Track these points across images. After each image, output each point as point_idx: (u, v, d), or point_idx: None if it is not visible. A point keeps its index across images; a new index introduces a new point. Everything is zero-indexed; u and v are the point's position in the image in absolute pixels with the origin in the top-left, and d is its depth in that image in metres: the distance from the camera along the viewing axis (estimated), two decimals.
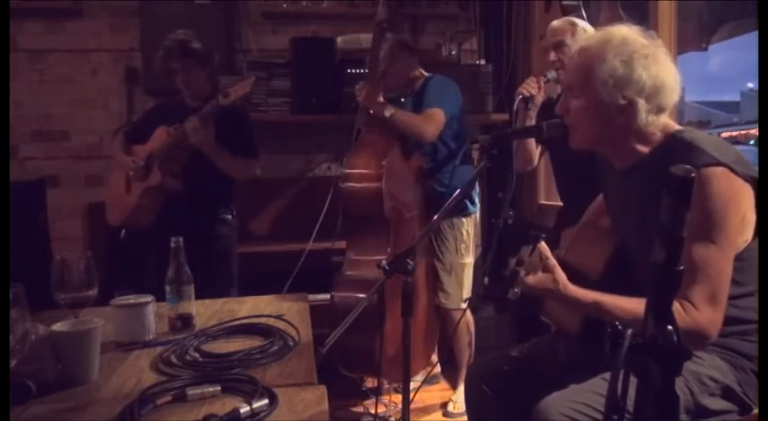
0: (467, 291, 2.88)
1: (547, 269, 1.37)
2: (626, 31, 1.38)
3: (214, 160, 2.48)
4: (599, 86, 1.34)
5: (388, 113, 2.62)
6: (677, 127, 1.42)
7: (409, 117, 2.67)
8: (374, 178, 2.55)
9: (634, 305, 1.27)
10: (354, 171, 2.61)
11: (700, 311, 1.24)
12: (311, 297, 1.97)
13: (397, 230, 2.61)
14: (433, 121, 2.65)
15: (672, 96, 1.36)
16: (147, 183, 2.53)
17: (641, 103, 1.34)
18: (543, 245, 1.38)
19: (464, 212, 2.85)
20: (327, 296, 2.74)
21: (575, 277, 1.39)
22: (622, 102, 1.34)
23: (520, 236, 1.39)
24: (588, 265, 1.55)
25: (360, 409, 2.89)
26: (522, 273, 1.36)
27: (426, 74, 2.88)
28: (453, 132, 2.79)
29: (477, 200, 2.95)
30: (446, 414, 2.88)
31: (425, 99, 2.71)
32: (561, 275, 1.37)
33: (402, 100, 2.87)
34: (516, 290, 1.37)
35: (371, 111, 2.69)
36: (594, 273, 1.52)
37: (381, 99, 2.67)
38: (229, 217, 2.66)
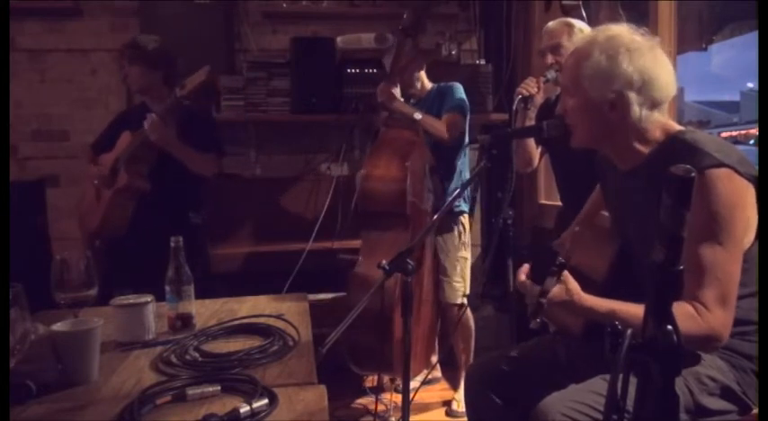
0: (467, 286, 2.92)
1: (560, 281, 1.35)
2: (615, 29, 1.38)
3: (177, 156, 2.48)
4: (586, 83, 1.35)
5: (417, 116, 2.71)
6: (678, 127, 1.42)
7: (436, 122, 2.76)
8: (399, 176, 2.60)
9: None
10: (378, 169, 2.64)
11: (712, 313, 1.23)
12: (312, 296, 1.97)
13: (415, 225, 2.64)
14: (456, 127, 2.78)
15: (666, 91, 1.36)
16: (116, 186, 2.53)
17: (632, 96, 1.33)
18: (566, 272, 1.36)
19: (459, 208, 2.92)
20: (328, 295, 2.74)
21: (579, 280, 1.38)
22: (611, 96, 1.34)
23: (545, 265, 1.36)
24: (592, 268, 1.54)
25: (360, 409, 2.89)
26: (546, 303, 1.33)
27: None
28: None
29: (466, 198, 2.99)
30: (450, 412, 2.89)
31: (447, 104, 2.80)
32: (574, 284, 1.34)
33: (411, 101, 2.91)
34: (539, 320, 1.34)
35: (392, 112, 2.76)
36: (599, 275, 1.52)
37: (402, 101, 2.77)
38: (198, 221, 2.65)
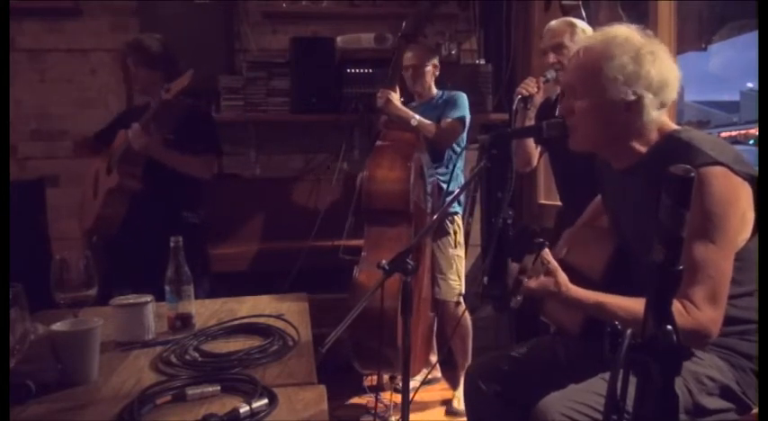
0: (463, 285, 2.95)
1: (548, 273, 1.36)
2: (626, 30, 1.39)
3: (165, 163, 2.49)
4: (608, 84, 1.34)
5: (414, 122, 2.74)
6: (674, 126, 1.43)
7: (432, 127, 2.79)
8: (402, 176, 2.61)
9: (636, 305, 1.26)
10: (382, 169, 2.65)
11: (701, 310, 1.24)
12: (313, 296, 1.97)
13: (417, 224, 2.66)
14: (454, 135, 2.84)
15: (674, 93, 1.37)
16: (108, 186, 2.54)
17: (649, 98, 1.34)
18: (546, 250, 1.38)
19: (453, 209, 2.95)
20: (329, 295, 2.75)
21: (575, 278, 1.39)
22: (632, 97, 1.34)
23: (523, 243, 1.38)
24: (589, 266, 1.55)
25: (360, 408, 2.89)
26: (526, 280, 1.35)
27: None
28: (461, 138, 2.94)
29: (460, 199, 3.02)
30: (450, 410, 2.90)
31: (450, 112, 2.84)
32: (563, 277, 1.36)
33: (413, 104, 2.92)
34: (519, 298, 1.36)
35: (391, 116, 2.78)
36: (595, 273, 1.52)
37: (401, 105, 2.79)
38: (195, 221, 2.64)
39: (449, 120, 2.81)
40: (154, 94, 2.58)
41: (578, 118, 1.42)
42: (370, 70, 3.38)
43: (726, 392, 1.36)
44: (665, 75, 1.34)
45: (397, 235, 2.59)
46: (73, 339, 1.26)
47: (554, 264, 1.37)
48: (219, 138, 2.71)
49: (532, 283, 1.36)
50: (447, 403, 2.95)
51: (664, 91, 1.35)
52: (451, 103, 2.86)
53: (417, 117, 2.76)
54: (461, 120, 2.83)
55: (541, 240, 1.35)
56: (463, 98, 2.89)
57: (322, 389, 1.22)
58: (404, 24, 2.76)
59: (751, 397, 1.37)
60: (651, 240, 0.79)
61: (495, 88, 3.51)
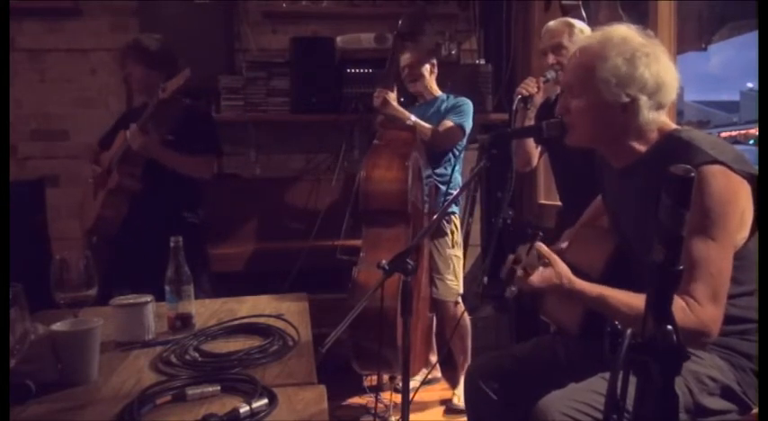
0: (461, 285, 2.94)
1: (547, 264, 1.36)
2: (625, 31, 1.38)
3: (163, 162, 2.49)
4: (601, 85, 1.35)
5: (410, 122, 2.74)
6: (674, 126, 1.43)
7: (428, 128, 2.79)
8: (400, 176, 2.60)
9: (639, 301, 1.26)
10: (379, 169, 2.65)
11: (703, 307, 1.24)
12: (313, 296, 1.97)
13: (415, 224, 2.65)
14: (452, 138, 2.83)
15: (671, 94, 1.37)
16: (107, 187, 2.54)
17: (644, 100, 1.34)
18: (540, 243, 1.38)
19: (450, 209, 2.95)
20: (328, 295, 2.75)
21: (575, 276, 1.39)
22: (626, 99, 1.34)
23: (518, 235, 1.38)
24: (588, 265, 1.55)
25: (359, 408, 2.89)
26: (520, 271, 1.35)
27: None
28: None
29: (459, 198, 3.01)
30: (450, 407, 2.90)
31: (453, 116, 2.83)
32: (563, 267, 1.36)
33: (415, 105, 2.92)
34: (513, 288, 1.36)
35: (387, 116, 2.77)
36: (595, 272, 1.52)
37: (397, 105, 2.78)
38: (195, 221, 2.64)
39: (449, 124, 2.80)
40: (153, 95, 2.58)
41: (575, 117, 1.42)
42: (370, 70, 3.38)
43: (727, 392, 1.36)
44: (661, 76, 1.34)
45: (395, 235, 2.58)
46: (73, 339, 1.26)
47: (553, 255, 1.36)
48: (219, 139, 2.71)
49: (535, 278, 1.35)
50: (447, 402, 2.95)
51: (660, 92, 1.35)
52: (455, 109, 2.85)
53: (413, 118, 2.76)
54: (461, 126, 2.81)
55: (535, 231, 1.35)
56: (468, 105, 2.87)
57: (322, 389, 1.22)
58: (399, 23, 2.76)
59: (752, 397, 1.37)
60: (651, 240, 0.79)
61: (495, 88, 3.51)
